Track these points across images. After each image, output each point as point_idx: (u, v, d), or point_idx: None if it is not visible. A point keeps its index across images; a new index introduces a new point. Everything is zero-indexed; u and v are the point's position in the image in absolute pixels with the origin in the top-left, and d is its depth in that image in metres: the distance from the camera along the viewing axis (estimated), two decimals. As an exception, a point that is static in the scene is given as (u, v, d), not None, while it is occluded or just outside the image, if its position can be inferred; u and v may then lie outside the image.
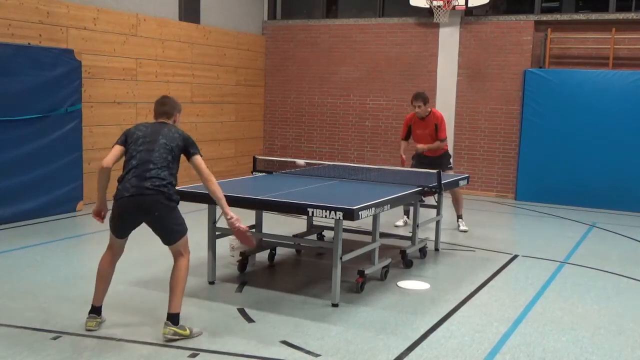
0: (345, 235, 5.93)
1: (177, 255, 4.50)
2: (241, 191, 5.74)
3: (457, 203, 8.49)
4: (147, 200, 4.35)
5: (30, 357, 4.08)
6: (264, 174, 7.07)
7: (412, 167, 8.22)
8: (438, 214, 7.22)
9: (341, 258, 5.20)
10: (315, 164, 8.36)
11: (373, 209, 5.16)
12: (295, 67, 12.96)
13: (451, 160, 8.57)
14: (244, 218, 6.37)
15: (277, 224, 7.66)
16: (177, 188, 4.53)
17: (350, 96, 12.54)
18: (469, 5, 11.16)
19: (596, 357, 4.40)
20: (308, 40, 12.80)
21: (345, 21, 12.51)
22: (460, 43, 11.56)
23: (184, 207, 4.66)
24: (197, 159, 4.61)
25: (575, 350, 4.49)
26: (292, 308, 5.17)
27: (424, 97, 8.03)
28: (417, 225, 6.78)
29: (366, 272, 5.68)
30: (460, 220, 8.50)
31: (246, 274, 6.11)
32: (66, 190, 8.69)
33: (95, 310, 4.58)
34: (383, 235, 6.49)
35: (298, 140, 13.07)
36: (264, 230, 6.45)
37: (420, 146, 8.12)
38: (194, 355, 4.17)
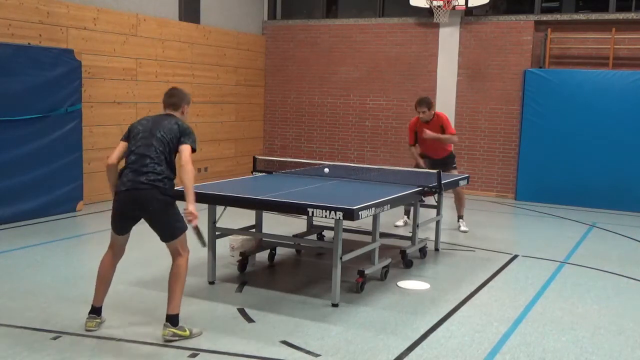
0: (345, 235, 5.93)
1: (175, 254, 4.46)
2: (241, 191, 5.74)
3: (459, 203, 8.49)
4: (141, 195, 4.33)
5: (30, 357, 4.08)
6: (264, 174, 7.07)
7: (416, 166, 8.20)
8: (438, 214, 7.22)
9: (341, 258, 5.20)
10: (315, 164, 8.36)
11: (373, 209, 5.16)
12: (295, 67, 12.96)
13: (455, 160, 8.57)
14: (244, 218, 6.40)
15: (277, 224, 7.66)
16: (175, 189, 4.46)
17: (350, 96, 12.54)
18: (469, 5, 11.16)
19: (596, 357, 4.40)
20: (308, 40, 12.80)
21: (345, 21, 12.52)
22: (460, 43, 11.56)
23: (183, 207, 4.64)
24: (184, 147, 4.42)
25: (575, 350, 4.50)
26: (292, 308, 5.17)
27: (428, 103, 8.01)
28: (417, 225, 6.78)
29: (366, 272, 5.68)
30: (461, 220, 8.50)
31: (246, 274, 6.10)
32: (66, 190, 8.68)
33: (95, 311, 4.57)
34: (383, 235, 6.48)
35: (298, 140, 13.07)
36: (264, 230, 6.45)
37: (428, 133, 7.92)
38: (194, 355, 4.17)
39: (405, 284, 5.94)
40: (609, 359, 4.39)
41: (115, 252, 4.60)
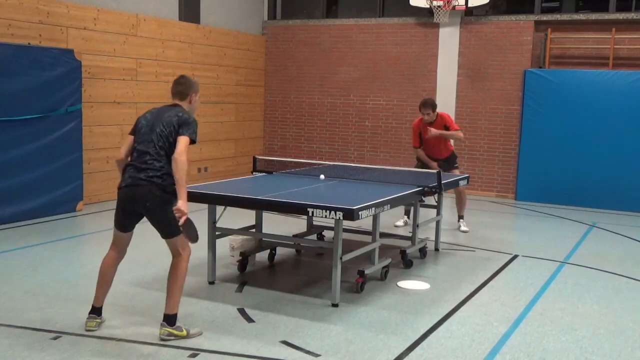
0: (345, 235, 5.94)
1: (174, 253, 4.43)
2: (241, 191, 5.74)
3: (460, 203, 8.49)
4: (139, 191, 4.31)
5: (30, 357, 4.08)
6: (264, 174, 7.07)
7: (419, 167, 8.20)
8: (438, 214, 7.22)
9: (341, 258, 5.20)
10: (315, 164, 8.36)
11: (373, 209, 5.15)
12: (295, 67, 12.96)
13: (457, 160, 8.57)
14: (244, 218, 6.40)
15: (277, 224, 7.66)
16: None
17: (350, 96, 12.54)
18: (469, 5, 11.16)
19: (596, 357, 4.40)
20: (308, 40, 12.80)
21: (345, 21, 12.51)
22: (460, 43, 11.56)
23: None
24: (180, 138, 4.30)
25: (575, 350, 4.49)
26: (292, 308, 5.17)
27: (432, 105, 8.01)
28: (417, 225, 6.78)
29: (366, 272, 5.68)
30: (461, 220, 8.50)
31: (246, 274, 6.10)
32: (66, 190, 8.69)
33: (95, 311, 4.56)
34: (383, 235, 6.49)
35: (298, 140, 13.07)
36: (264, 230, 6.45)
37: (433, 131, 7.93)
38: (194, 355, 4.17)
39: (405, 284, 5.94)
40: (609, 359, 4.39)
41: (118, 251, 4.58)
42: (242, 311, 5.04)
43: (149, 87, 10.26)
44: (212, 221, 5.69)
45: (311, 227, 7.25)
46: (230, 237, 6.28)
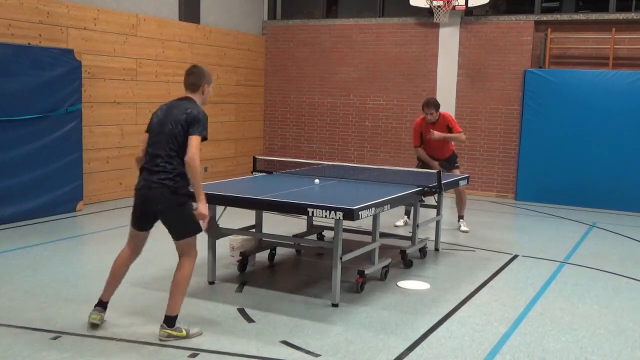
0: (345, 235, 5.93)
1: (181, 254, 4.45)
2: (241, 191, 5.74)
3: (460, 203, 8.49)
4: (151, 194, 4.33)
5: (30, 357, 4.08)
6: (264, 174, 7.07)
7: (419, 167, 8.20)
8: (438, 214, 7.21)
9: (341, 258, 5.20)
10: (315, 164, 8.36)
11: (373, 209, 5.16)
12: (295, 67, 12.96)
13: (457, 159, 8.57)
14: (244, 218, 6.40)
15: (277, 224, 7.66)
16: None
17: (350, 96, 12.54)
18: (469, 5, 11.16)
19: (596, 357, 4.40)
20: (308, 40, 12.80)
21: (345, 21, 12.51)
22: (460, 43, 11.56)
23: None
24: (192, 138, 4.29)
25: (575, 350, 4.50)
26: (292, 308, 5.17)
27: (435, 104, 8.00)
28: (417, 225, 6.78)
29: (366, 272, 5.68)
30: (461, 220, 8.49)
31: (246, 274, 6.11)
32: (66, 190, 8.68)
33: (101, 304, 4.57)
34: (383, 235, 6.49)
35: (298, 140, 13.07)
36: (264, 230, 6.45)
37: (436, 133, 7.91)
38: (194, 355, 4.17)
39: (405, 284, 5.94)
40: (609, 359, 4.39)
41: (132, 249, 4.60)
42: (242, 311, 5.04)
43: (149, 87, 10.26)
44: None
45: (311, 227, 7.25)
46: (230, 237, 6.28)
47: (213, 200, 5.45)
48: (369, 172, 7.52)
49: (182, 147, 4.32)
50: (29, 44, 8.26)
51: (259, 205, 5.50)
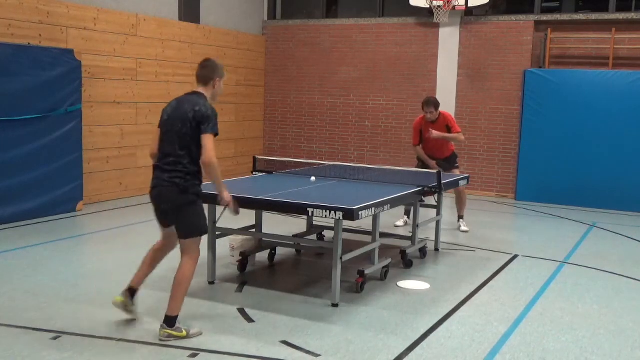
0: (345, 235, 5.94)
1: (183, 253, 4.47)
2: (241, 191, 5.73)
3: (460, 203, 8.49)
4: (162, 192, 4.39)
5: (30, 357, 4.08)
6: (264, 174, 7.07)
7: (419, 167, 8.20)
8: (438, 214, 7.21)
9: (341, 258, 5.20)
10: (315, 164, 8.36)
11: (373, 209, 5.16)
12: (295, 67, 12.96)
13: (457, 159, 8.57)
14: (244, 218, 6.39)
15: (277, 224, 7.66)
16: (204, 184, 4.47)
17: (350, 96, 12.54)
18: (469, 5, 11.16)
19: (596, 357, 4.40)
20: (308, 40, 12.80)
21: (345, 21, 12.52)
22: (460, 43, 11.56)
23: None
24: (205, 137, 4.28)
25: (575, 350, 4.50)
26: (292, 308, 5.17)
27: (435, 103, 8.00)
28: (417, 225, 6.78)
29: (366, 272, 5.68)
30: (461, 220, 8.49)
31: (246, 274, 6.10)
32: (66, 190, 8.68)
33: (130, 290, 4.64)
34: (383, 235, 6.49)
35: (298, 140, 13.07)
36: (264, 230, 6.45)
37: (434, 133, 7.91)
38: (194, 355, 4.17)
39: (405, 284, 5.94)
40: (609, 359, 4.39)
41: (164, 242, 4.67)
42: (242, 311, 5.04)
43: (149, 87, 10.26)
44: (212, 221, 5.69)
45: (311, 227, 7.25)
46: (230, 237, 6.28)
47: (213, 200, 5.44)
48: (369, 172, 7.53)
49: (192, 145, 4.33)
50: (29, 44, 8.26)
51: (259, 205, 5.51)
